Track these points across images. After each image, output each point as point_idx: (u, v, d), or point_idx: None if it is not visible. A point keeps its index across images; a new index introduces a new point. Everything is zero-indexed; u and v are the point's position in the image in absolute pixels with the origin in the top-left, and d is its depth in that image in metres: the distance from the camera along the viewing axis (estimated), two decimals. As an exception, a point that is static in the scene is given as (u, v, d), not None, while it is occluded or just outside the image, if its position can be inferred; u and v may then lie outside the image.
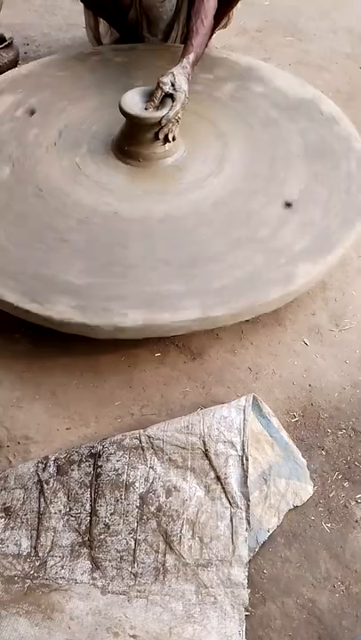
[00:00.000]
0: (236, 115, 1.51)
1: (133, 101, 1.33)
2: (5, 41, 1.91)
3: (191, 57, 1.37)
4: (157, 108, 1.31)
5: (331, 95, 1.67)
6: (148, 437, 1.05)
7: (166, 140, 1.34)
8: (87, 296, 1.14)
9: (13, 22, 2.26)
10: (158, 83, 1.31)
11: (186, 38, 1.45)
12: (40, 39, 2.22)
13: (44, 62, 1.68)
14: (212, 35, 1.79)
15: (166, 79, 1.31)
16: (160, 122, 1.30)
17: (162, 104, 1.31)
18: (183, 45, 1.43)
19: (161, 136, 1.32)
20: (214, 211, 1.28)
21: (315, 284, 1.25)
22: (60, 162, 1.38)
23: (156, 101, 1.31)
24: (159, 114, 1.30)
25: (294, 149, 1.41)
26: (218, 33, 1.89)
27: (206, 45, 1.49)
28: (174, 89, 1.30)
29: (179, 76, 1.32)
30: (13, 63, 1.93)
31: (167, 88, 1.30)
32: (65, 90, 1.57)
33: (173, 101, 1.30)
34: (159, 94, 1.31)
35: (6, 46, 1.90)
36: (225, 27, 1.89)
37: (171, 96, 1.31)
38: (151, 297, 1.14)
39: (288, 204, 1.28)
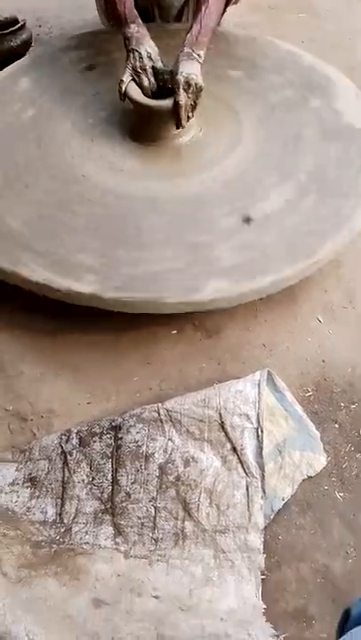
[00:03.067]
0: (252, 95, 1.52)
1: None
2: (18, 23, 1.92)
3: (189, 37, 1.35)
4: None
5: (345, 72, 1.66)
6: (167, 410, 1.09)
7: (179, 125, 1.34)
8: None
9: (25, 5, 2.25)
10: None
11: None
12: (52, 21, 2.22)
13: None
14: (224, 10, 1.79)
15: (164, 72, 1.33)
16: (173, 109, 1.31)
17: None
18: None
19: (177, 123, 1.33)
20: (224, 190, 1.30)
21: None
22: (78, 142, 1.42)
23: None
24: (165, 103, 1.31)
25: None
26: (230, 9, 1.88)
27: (218, 16, 1.46)
28: (173, 77, 1.31)
29: (179, 64, 1.31)
30: (27, 45, 1.94)
31: (167, 78, 1.32)
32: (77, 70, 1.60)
33: (177, 89, 1.29)
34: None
35: (19, 28, 1.90)
36: (236, 3, 1.88)
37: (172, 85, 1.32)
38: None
39: (247, 220, 1.24)
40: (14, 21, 1.93)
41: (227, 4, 1.80)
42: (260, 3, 2.21)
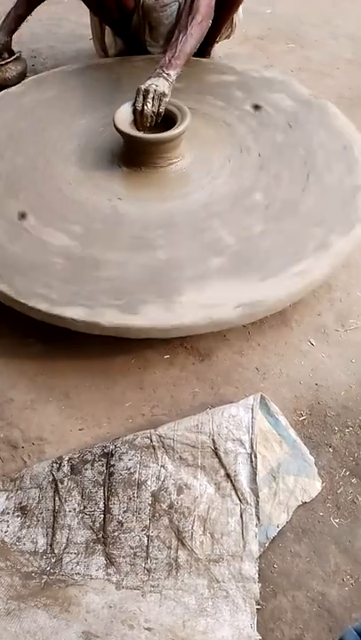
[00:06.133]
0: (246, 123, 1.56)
1: (126, 117, 1.41)
2: (14, 54, 1.96)
3: (162, 60, 1.44)
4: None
5: (333, 100, 1.70)
6: (159, 437, 1.08)
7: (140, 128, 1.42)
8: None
9: (21, 35, 2.30)
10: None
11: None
12: (47, 52, 2.27)
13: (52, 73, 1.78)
14: (213, 41, 1.84)
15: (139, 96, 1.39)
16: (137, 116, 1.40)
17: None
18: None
19: (137, 127, 1.41)
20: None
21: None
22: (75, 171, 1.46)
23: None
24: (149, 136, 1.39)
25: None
26: (221, 42, 1.93)
27: (197, 42, 1.52)
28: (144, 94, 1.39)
29: (147, 80, 1.40)
30: (22, 76, 1.97)
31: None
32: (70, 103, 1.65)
33: (136, 96, 1.39)
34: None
35: (15, 59, 1.94)
36: (229, 37, 1.93)
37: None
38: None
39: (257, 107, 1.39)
40: (10, 52, 1.97)
41: (219, 37, 1.85)
42: (248, 34, 2.27)
